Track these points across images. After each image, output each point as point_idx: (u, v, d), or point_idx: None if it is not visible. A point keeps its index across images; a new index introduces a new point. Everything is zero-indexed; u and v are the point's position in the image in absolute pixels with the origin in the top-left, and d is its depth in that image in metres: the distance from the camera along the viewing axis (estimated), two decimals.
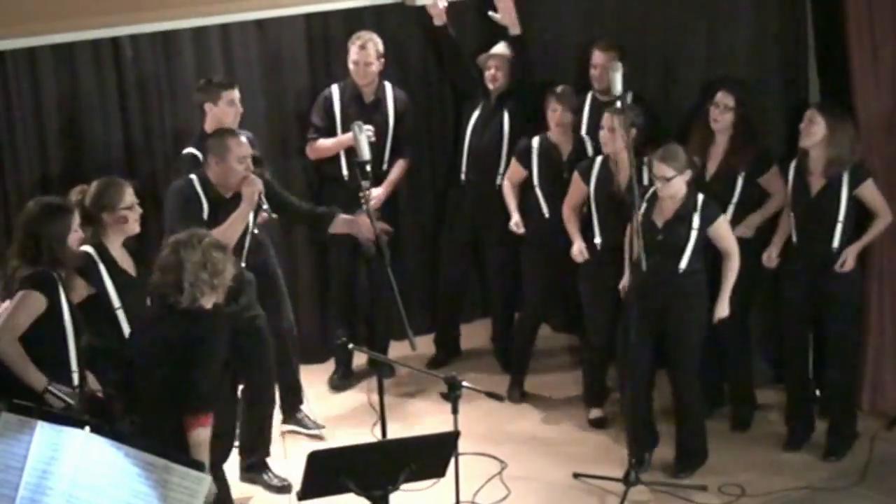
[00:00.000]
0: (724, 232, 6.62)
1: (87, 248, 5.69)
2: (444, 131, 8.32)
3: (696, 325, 6.61)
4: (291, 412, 7.22)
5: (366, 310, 7.95)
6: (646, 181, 6.79)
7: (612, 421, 7.27)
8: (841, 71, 7.12)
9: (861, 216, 6.74)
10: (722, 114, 6.92)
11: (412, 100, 7.84)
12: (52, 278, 5.29)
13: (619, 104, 6.57)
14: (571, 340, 8.22)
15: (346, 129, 7.40)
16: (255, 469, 6.71)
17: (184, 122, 7.44)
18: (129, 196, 5.80)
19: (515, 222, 7.46)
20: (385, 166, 7.68)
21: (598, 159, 7.09)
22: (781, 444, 6.97)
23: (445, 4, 7.76)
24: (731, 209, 6.92)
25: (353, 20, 7.82)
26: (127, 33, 7.21)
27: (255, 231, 6.70)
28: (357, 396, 7.74)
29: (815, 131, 6.60)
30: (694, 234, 6.53)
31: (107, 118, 7.30)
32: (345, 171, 7.62)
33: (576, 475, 6.76)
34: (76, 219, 5.47)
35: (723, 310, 6.61)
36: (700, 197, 6.58)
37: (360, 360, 7.84)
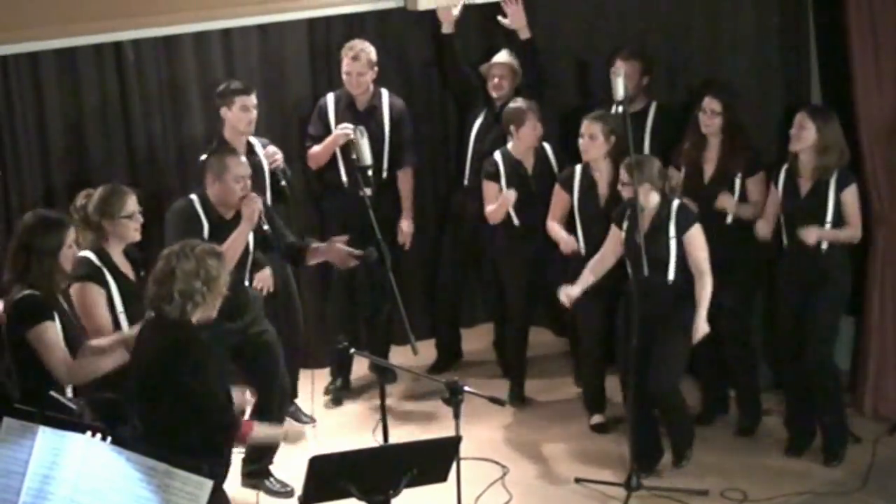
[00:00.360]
0: (697, 242, 6.52)
1: (88, 253, 5.68)
2: (447, 135, 8.33)
3: (684, 330, 6.54)
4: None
5: (366, 315, 7.94)
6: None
7: (614, 426, 7.27)
8: (842, 72, 7.14)
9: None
10: (710, 118, 6.93)
11: (412, 105, 7.83)
12: (40, 304, 5.25)
13: (615, 109, 6.54)
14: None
15: None
16: (257, 475, 6.69)
17: (186, 126, 7.46)
18: (130, 205, 5.78)
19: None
20: (385, 174, 7.66)
21: (578, 168, 7.08)
22: (783, 450, 6.96)
23: (458, 12, 7.74)
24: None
25: (356, 25, 7.83)
26: (129, 38, 7.21)
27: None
28: (358, 401, 7.75)
29: (805, 136, 6.60)
30: (673, 244, 6.52)
31: (109, 122, 7.31)
32: (344, 179, 7.60)
33: (577, 480, 6.76)
34: (71, 234, 5.40)
35: (702, 328, 6.50)
36: (675, 204, 6.57)
37: (359, 370, 7.82)
